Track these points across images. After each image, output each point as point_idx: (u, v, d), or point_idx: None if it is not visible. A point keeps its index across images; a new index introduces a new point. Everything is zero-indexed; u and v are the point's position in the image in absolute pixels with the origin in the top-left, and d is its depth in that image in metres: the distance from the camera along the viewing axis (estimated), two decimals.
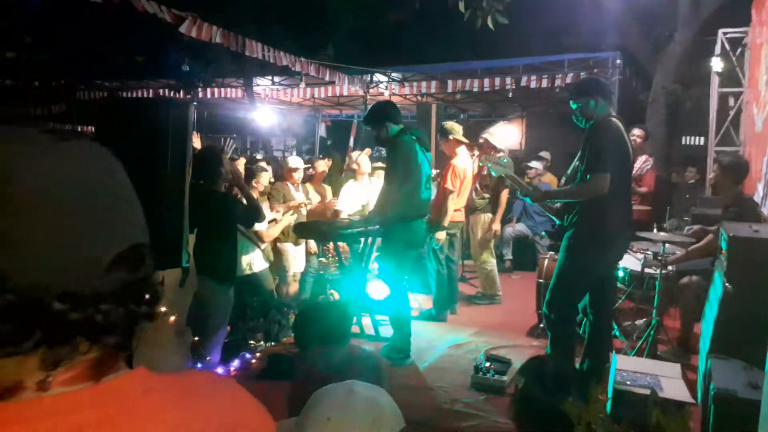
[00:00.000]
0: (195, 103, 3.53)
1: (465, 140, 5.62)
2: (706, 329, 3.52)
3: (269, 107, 15.29)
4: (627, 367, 3.67)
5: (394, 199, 4.28)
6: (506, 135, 9.88)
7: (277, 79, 12.41)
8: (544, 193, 3.65)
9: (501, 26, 7.87)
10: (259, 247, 5.03)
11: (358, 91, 11.45)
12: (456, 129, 5.61)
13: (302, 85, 8.91)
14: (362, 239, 4.71)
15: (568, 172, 3.99)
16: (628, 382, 3.46)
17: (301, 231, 4.51)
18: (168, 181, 2.62)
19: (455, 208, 5.55)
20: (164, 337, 3.88)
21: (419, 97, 12.51)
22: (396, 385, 3.91)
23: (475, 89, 10.37)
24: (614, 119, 3.53)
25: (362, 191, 5.85)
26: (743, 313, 3.04)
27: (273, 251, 5.47)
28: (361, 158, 5.93)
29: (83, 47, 10.70)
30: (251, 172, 5.22)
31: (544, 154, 8.50)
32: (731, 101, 7.40)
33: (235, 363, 4.27)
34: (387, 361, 3.18)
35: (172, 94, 12.32)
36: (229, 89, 13.11)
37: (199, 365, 4.05)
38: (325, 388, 1.53)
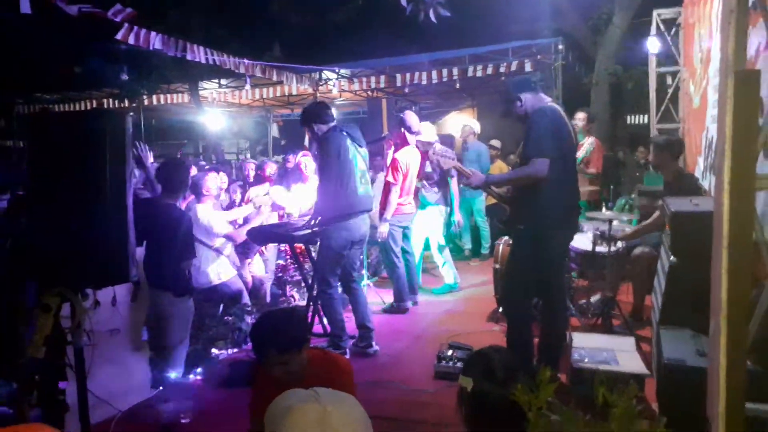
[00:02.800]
0: (132, 114, 3.40)
1: (413, 139, 5.62)
2: (655, 301, 3.64)
3: (218, 110, 15.07)
4: (584, 344, 3.78)
5: (327, 197, 4.29)
6: (457, 125, 9.99)
7: (224, 81, 12.24)
8: (487, 180, 3.70)
9: (445, 17, 7.95)
10: (221, 254, 4.95)
11: (308, 90, 11.39)
12: (416, 127, 5.59)
13: (247, 86, 8.77)
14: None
15: (517, 159, 4.07)
16: (586, 359, 3.56)
17: (254, 236, 4.46)
18: (107, 195, 2.55)
19: (405, 201, 5.58)
20: (121, 354, 3.80)
21: (369, 93, 12.52)
22: (359, 381, 3.92)
23: (424, 82, 10.44)
24: (550, 105, 3.61)
25: (310, 193, 5.82)
26: (688, 284, 3.14)
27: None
28: (303, 159, 5.89)
29: (18, 60, 10.30)
30: (195, 182, 5.11)
31: (494, 142, 8.61)
32: (669, 80, 7.64)
33: (198, 373, 4.19)
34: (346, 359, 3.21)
35: (116, 103, 12.01)
36: (175, 95, 12.88)
37: (159, 378, 3.97)
38: (289, 398, 1.39)
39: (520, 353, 3.67)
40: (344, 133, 4.38)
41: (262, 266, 5.60)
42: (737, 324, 1.36)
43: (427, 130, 5.81)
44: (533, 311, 3.99)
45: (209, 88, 12.62)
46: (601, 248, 4.61)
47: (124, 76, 7.61)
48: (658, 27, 7.39)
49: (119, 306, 3.74)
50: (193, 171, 5.83)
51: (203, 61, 7.68)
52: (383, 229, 5.47)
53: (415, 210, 5.86)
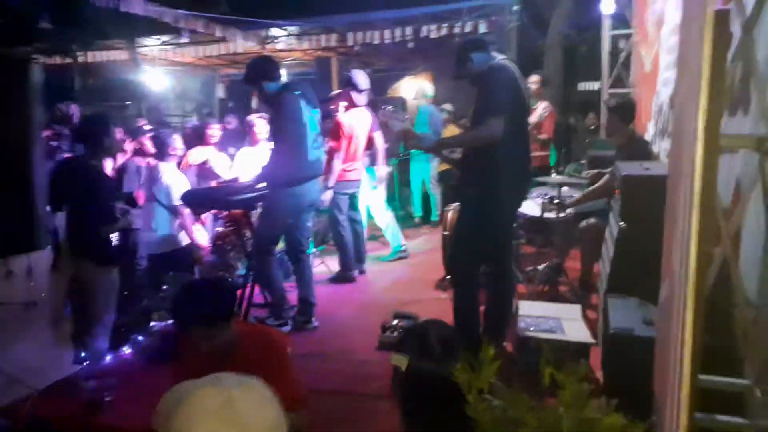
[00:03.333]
0: (37, 61, 3.00)
1: (364, 101, 5.35)
2: (603, 268, 3.56)
3: (160, 70, 14.32)
4: (530, 312, 3.69)
5: (279, 160, 4.02)
6: (412, 89, 9.76)
7: (166, 38, 11.57)
8: (437, 142, 3.50)
9: None
10: (174, 222, 4.65)
11: (254, 48, 10.88)
12: (363, 85, 5.30)
13: (185, 39, 8.24)
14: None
15: (467, 123, 3.88)
16: (532, 328, 3.47)
17: (188, 200, 4.16)
18: (6, 155, 2.25)
19: (351, 168, 5.34)
20: (36, 328, 3.50)
21: (320, 52, 12.06)
22: (300, 354, 3.74)
23: (376, 41, 10.12)
24: (504, 62, 3.41)
25: (259, 157, 5.51)
26: (637, 251, 3.05)
27: None
28: (257, 121, 5.55)
29: None
30: (162, 140, 4.74)
31: (447, 106, 8.43)
32: (622, 44, 7.56)
33: (126, 347, 3.92)
34: (281, 332, 2.98)
35: (46, 60, 11.22)
36: (114, 52, 12.11)
37: (82, 354, 3.70)
38: (184, 385, 1.15)
39: (466, 321, 3.55)
40: (297, 93, 4.08)
41: (204, 234, 5.30)
42: (702, 291, 1.22)
43: (362, 79, 5.52)
44: (480, 278, 3.86)
45: (150, 45, 11.91)
46: (550, 214, 4.51)
47: (45, 25, 6.96)
48: None
49: (36, 277, 3.45)
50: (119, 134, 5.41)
51: (140, 12, 7.18)
52: (326, 196, 5.22)
53: (361, 176, 5.62)
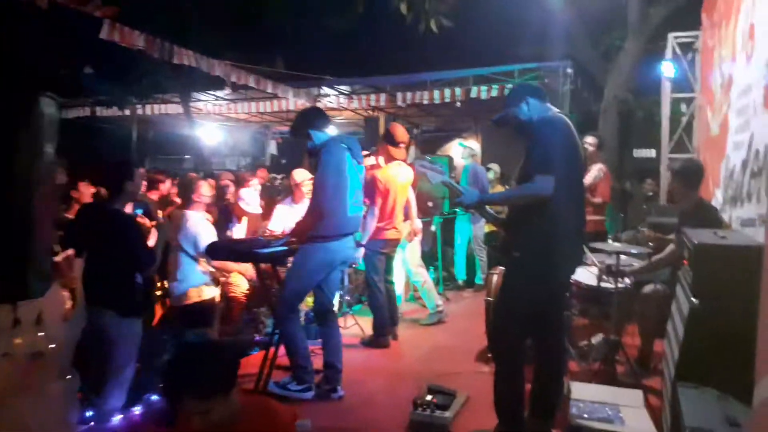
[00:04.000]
0: (52, 98, 2.86)
1: (403, 156, 5.13)
2: (669, 351, 3.10)
3: (214, 124, 14.68)
4: (584, 396, 3.24)
5: (317, 213, 3.77)
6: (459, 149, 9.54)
7: (220, 93, 11.85)
8: (481, 198, 3.18)
9: (450, 36, 7.55)
10: (211, 269, 4.45)
11: (306, 105, 10.98)
12: (400, 138, 5.09)
13: (227, 91, 8.31)
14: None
15: (514, 180, 3.56)
16: (585, 415, 3.03)
17: (212, 252, 3.95)
18: (9, 194, 2.07)
19: (388, 226, 5.06)
20: (41, 383, 3.25)
21: (369, 111, 12.11)
22: (321, 427, 3.38)
23: (425, 101, 10.06)
24: (559, 116, 3.11)
25: (297, 215, 5.32)
26: (713, 332, 2.61)
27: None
28: (304, 179, 5.36)
29: None
30: (186, 185, 4.62)
31: (493, 166, 8.18)
32: (683, 107, 7.18)
33: (137, 408, 3.63)
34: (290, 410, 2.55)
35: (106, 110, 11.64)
36: (171, 105, 12.47)
37: (90, 413, 3.42)
38: None
39: (508, 400, 3.12)
40: (344, 146, 3.90)
41: (243, 284, 5.06)
42: None
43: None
44: (527, 352, 3.43)
45: (204, 100, 12.23)
46: (607, 284, 4.08)
47: (89, 70, 7.18)
48: (673, 51, 6.95)
49: (46, 326, 3.23)
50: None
51: (193, 64, 7.29)
52: (358, 254, 4.95)
53: (400, 236, 5.32)
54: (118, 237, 3.41)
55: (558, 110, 3.19)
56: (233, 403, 1.96)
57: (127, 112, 12.37)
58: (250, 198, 5.45)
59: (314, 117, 4.02)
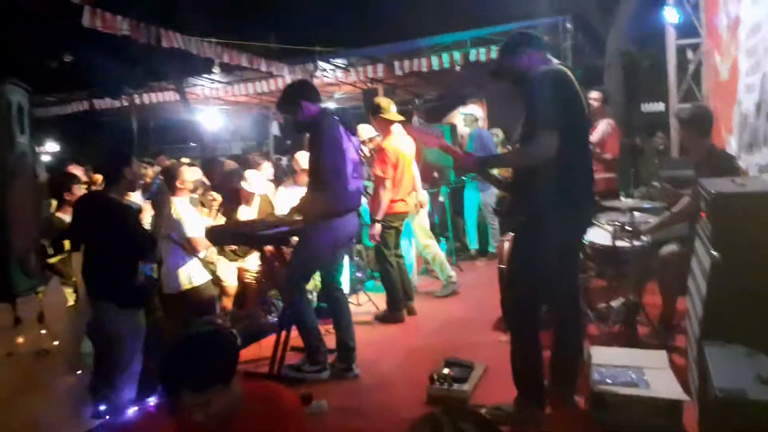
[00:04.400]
0: (18, 85, 2.70)
1: (398, 117, 5.01)
2: (692, 308, 2.98)
3: (214, 108, 14.48)
4: (605, 360, 3.13)
5: (317, 190, 3.65)
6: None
7: (216, 77, 11.64)
8: (480, 159, 3.02)
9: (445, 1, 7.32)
10: (196, 255, 4.36)
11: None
12: (385, 105, 5.00)
13: (216, 71, 8.11)
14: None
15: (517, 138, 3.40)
16: (608, 380, 2.92)
17: (213, 236, 3.84)
18: None
19: (397, 198, 4.94)
20: (49, 379, 3.21)
21: (369, 84, 11.86)
22: (336, 407, 3.31)
23: (424, 68, 9.80)
24: (559, 68, 2.94)
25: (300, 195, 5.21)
26: (737, 286, 2.49)
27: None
28: (304, 158, 5.25)
29: None
30: (171, 174, 4.51)
31: (496, 131, 8.00)
32: (689, 54, 6.92)
33: (151, 399, 3.57)
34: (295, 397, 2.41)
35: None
36: (168, 93, 12.28)
37: (102, 407, 3.36)
38: None
39: (527, 370, 3.03)
40: (336, 118, 3.75)
41: (231, 270, 5.00)
42: None
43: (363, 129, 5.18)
44: (542, 319, 3.32)
45: (201, 84, 12.04)
46: (623, 243, 3.94)
47: (68, 58, 7.02)
48: None
49: (48, 323, 3.17)
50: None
51: (182, 47, 7.12)
52: (375, 230, 4.85)
53: (409, 208, 5.20)
54: (114, 226, 3.30)
55: (558, 62, 3.02)
56: (234, 394, 1.87)
57: (125, 102, 12.22)
58: (254, 179, 5.33)
59: (303, 88, 3.88)
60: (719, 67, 5.59)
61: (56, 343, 3.17)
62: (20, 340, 2.97)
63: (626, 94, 10.33)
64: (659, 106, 12.69)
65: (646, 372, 2.96)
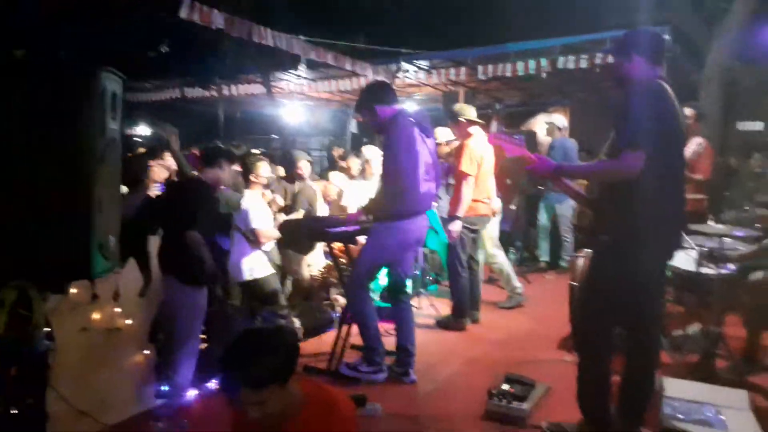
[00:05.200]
0: (107, 72, 2.77)
1: (478, 120, 4.92)
2: None
3: (297, 103, 14.82)
4: (679, 393, 2.94)
5: (389, 191, 3.64)
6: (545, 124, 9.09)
7: (301, 73, 11.91)
8: (557, 168, 2.89)
9: (534, 3, 7.12)
10: (259, 248, 4.46)
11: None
12: (466, 109, 4.93)
13: (302, 67, 8.23)
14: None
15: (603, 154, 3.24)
16: (680, 416, 2.74)
17: (286, 229, 3.90)
18: (56, 175, 2.04)
19: (478, 199, 4.85)
20: (118, 357, 3.34)
21: (450, 87, 11.77)
22: (390, 412, 3.28)
23: (508, 74, 9.59)
24: (660, 83, 2.77)
25: (369, 191, 5.22)
26: None
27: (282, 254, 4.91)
28: (373, 155, 5.28)
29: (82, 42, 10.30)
30: (245, 166, 4.64)
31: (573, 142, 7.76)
32: None
33: (210, 383, 3.66)
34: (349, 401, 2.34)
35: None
36: (255, 85, 12.68)
37: (165, 387, 3.47)
38: None
39: (592, 394, 2.89)
40: (412, 120, 3.74)
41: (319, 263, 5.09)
42: None
43: (466, 110, 5.06)
44: (615, 342, 3.15)
45: (286, 79, 12.35)
46: (708, 269, 3.69)
47: (165, 49, 7.30)
48: None
49: (124, 301, 3.31)
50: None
51: (271, 43, 7.30)
52: (454, 227, 4.75)
53: (490, 212, 5.11)
54: (173, 203, 3.40)
55: (662, 77, 2.82)
56: (291, 394, 1.87)
57: (214, 93, 12.71)
58: (337, 181, 5.44)
59: (379, 91, 3.88)
60: None
61: (129, 321, 3.29)
62: (96, 316, 3.10)
63: (723, 111, 9.74)
64: (758, 126, 11.87)
65: (723, 411, 2.77)
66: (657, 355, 3.12)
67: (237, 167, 5.09)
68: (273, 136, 19.00)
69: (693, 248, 3.93)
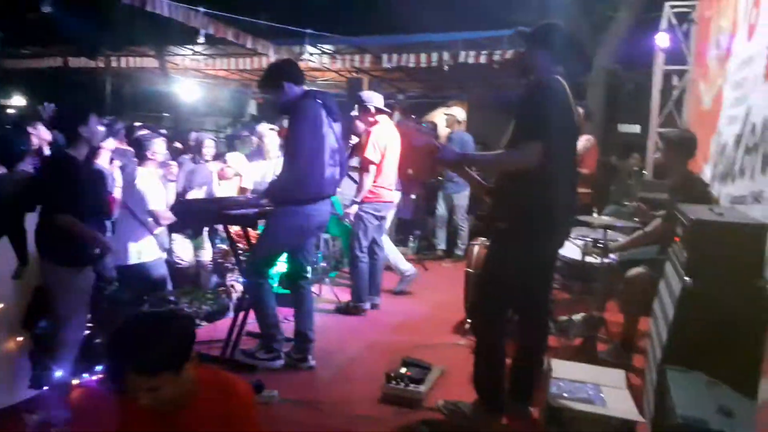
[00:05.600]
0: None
1: (386, 109, 4.94)
2: (656, 331, 2.97)
3: (192, 81, 14.18)
4: (565, 374, 3.11)
5: (291, 173, 3.54)
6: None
7: (199, 48, 11.36)
8: (461, 156, 2.96)
9: (440, 1, 7.23)
10: (150, 232, 4.19)
11: None
12: (374, 97, 4.93)
13: (201, 41, 7.88)
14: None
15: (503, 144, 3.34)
16: (566, 394, 2.89)
17: (179, 212, 3.69)
18: None
19: (383, 186, 4.86)
20: None
21: (354, 73, 11.74)
22: (289, 399, 3.22)
23: (411, 64, 9.73)
24: (559, 78, 2.89)
25: (269, 171, 5.09)
26: (705, 313, 2.48)
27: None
28: (268, 132, 5.15)
29: None
30: (140, 143, 4.34)
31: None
32: (675, 80, 6.99)
33: (95, 371, 3.41)
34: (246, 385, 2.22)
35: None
36: (148, 59, 11.94)
37: (43, 376, 3.19)
38: None
39: (487, 376, 3.00)
40: (319, 102, 3.63)
41: (187, 248, 4.87)
42: None
43: (375, 97, 5.08)
44: (508, 326, 3.29)
45: (182, 54, 11.74)
46: (593, 259, 3.93)
47: (47, 8, 6.71)
48: (669, 22, 6.73)
49: None
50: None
51: (166, 13, 6.90)
52: (351, 210, 4.77)
53: (395, 199, 5.14)
54: (68, 184, 3.11)
55: (561, 71, 2.94)
56: (186, 380, 1.76)
57: (101, 64, 11.85)
58: (234, 162, 5.24)
59: (288, 68, 3.74)
60: (703, 96, 5.64)
61: (1, 305, 2.99)
62: None
63: (606, 113, 10.43)
64: (636, 128, 12.86)
65: (603, 390, 2.95)
66: (546, 338, 3.28)
67: (125, 144, 4.79)
68: (165, 114, 18.07)
69: (579, 238, 4.18)
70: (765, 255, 2.49)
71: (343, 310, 4.96)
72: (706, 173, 4.99)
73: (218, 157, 5.58)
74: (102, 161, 4.09)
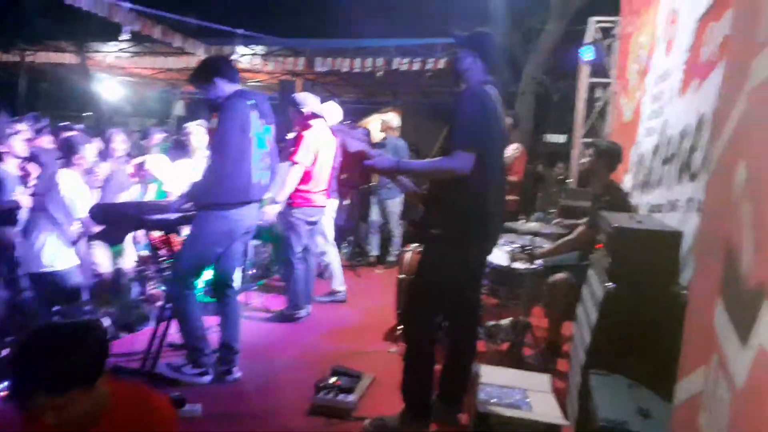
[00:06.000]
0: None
1: (321, 114, 4.85)
2: (579, 335, 3.04)
3: (116, 79, 13.61)
4: (492, 380, 3.12)
5: (216, 175, 3.39)
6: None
7: (124, 45, 10.90)
8: (395, 164, 2.94)
9: (375, 7, 7.28)
10: (69, 239, 3.94)
11: None
12: (310, 99, 4.84)
13: (126, 37, 7.57)
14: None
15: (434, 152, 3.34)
16: (493, 400, 2.91)
17: (96, 215, 3.48)
18: None
19: (315, 190, 4.77)
20: None
21: (288, 75, 11.59)
22: (210, 414, 3.09)
23: (345, 69, 9.72)
24: (488, 88, 2.92)
25: (195, 169, 4.88)
26: (626, 318, 2.55)
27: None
28: (194, 128, 4.96)
29: None
30: (70, 145, 4.07)
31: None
32: (599, 92, 7.29)
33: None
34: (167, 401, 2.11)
35: None
36: (68, 54, 11.35)
37: None
38: None
39: (417, 382, 2.98)
40: (250, 103, 3.49)
41: (105, 255, 4.62)
42: None
43: (332, 110, 5.02)
44: (438, 333, 3.29)
45: (105, 51, 11.24)
46: (519, 265, 4.01)
47: None
48: (594, 36, 7.01)
49: None
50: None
51: (86, 8, 6.56)
52: (271, 210, 4.58)
53: (327, 204, 5.04)
54: None
55: (491, 82, 2.97)
56: (99, 395, 1.63)
57: (16, 57, 11.18)
58: (153, 164, 4.98)
59: (222, 64, 3.58)
60: (624, 108, 5.89)
61: None
62: None
63: (534, 123, 10.78)
64: (561, 138, 13.37)
65: (529, 394, 2.98)
66: (475, 343, 3.30)
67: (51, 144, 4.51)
68: (85, 114, 17.25)
69: (507, 244, 4.25)
70: (679, 261, 2.60)
71: (279, 317, 4.84)
72: (626, 182, 5.20)
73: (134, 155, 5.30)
74: (7, 164, 3.83)
